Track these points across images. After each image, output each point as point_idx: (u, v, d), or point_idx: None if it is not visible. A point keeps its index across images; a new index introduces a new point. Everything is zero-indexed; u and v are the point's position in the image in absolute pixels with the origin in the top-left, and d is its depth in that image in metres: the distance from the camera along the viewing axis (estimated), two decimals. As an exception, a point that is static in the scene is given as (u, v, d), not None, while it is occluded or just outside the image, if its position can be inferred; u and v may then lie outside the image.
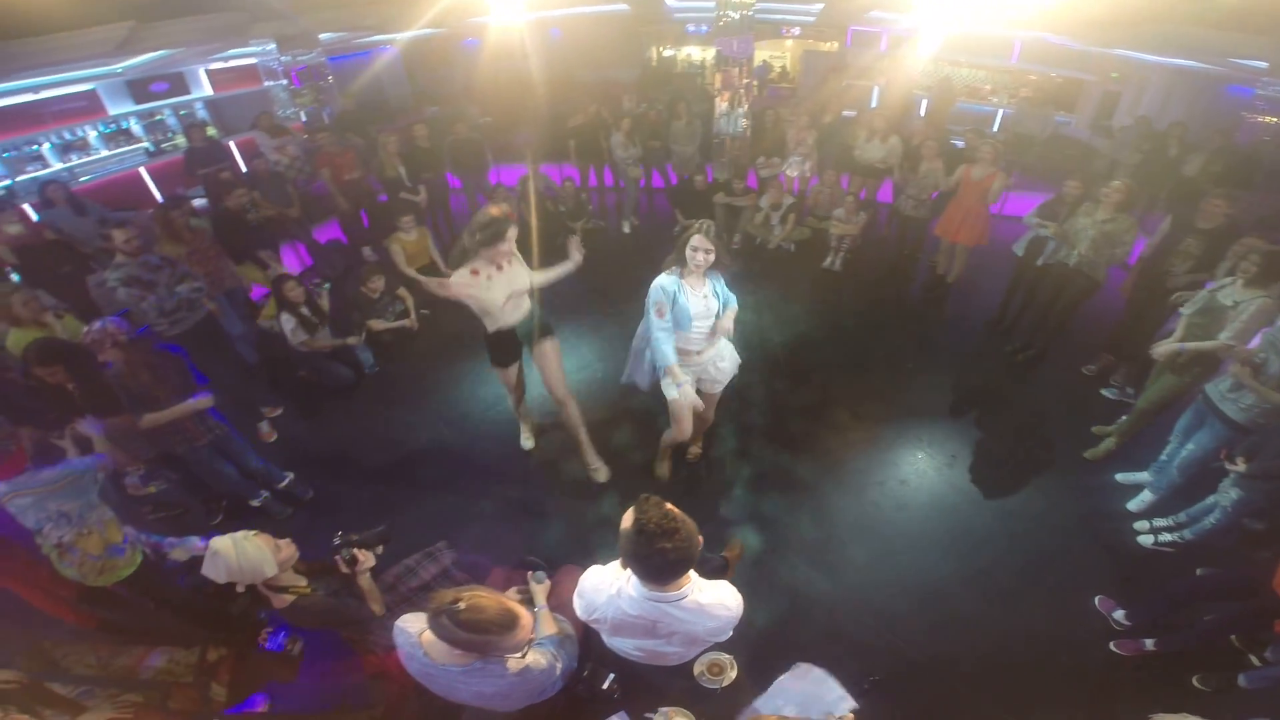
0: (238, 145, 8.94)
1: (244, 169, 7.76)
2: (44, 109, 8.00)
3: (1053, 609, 3.38)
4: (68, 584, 3.09)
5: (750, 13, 7.65)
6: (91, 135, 8.59)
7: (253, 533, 2.38)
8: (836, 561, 3.64)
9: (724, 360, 3.55)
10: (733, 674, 2.59)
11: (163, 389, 3.37)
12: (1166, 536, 3.67)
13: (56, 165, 8.13)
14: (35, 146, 8.00)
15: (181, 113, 9.63)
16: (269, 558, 2.35)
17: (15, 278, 4.87)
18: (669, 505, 1.80)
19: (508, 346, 3.76)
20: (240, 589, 2.39)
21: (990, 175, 5.50)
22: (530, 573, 2.59)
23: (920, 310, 6.33)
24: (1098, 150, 8.80)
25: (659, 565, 1.78)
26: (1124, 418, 4.34)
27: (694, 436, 4.15)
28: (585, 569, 2.18)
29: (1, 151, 7.63)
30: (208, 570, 2.33)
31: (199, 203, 6.42)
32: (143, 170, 8.72)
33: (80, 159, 8.43)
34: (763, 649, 3.06)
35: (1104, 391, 4.92)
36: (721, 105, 8.35)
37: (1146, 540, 3.71)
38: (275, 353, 5.25)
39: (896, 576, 3.55)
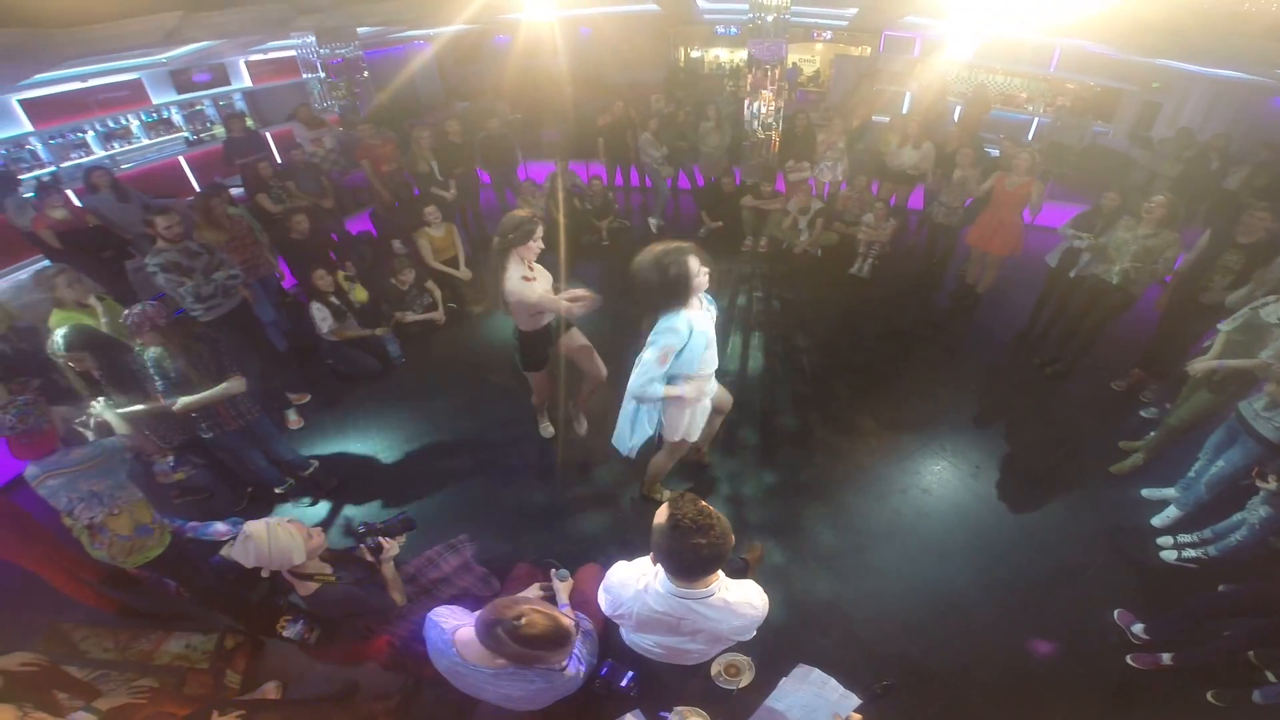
0: (273, 136, 9.12)
1: (279, 160, 7.91)
2: (90, 97, 8.24)
3: (1071, 621, 3.33)
4: (91, 567, 3.18)
5: (785, 15, 7.61)
6: (134, 124, 8.83)
7: (286, 519, 2.41)
8: (855, 567, 3.62)
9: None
10: (750, 676, 2.59)
11: (197, 373, 3.45)
12: (1190, 552, 3.60)
13: (100, 152, 8.37)
14: (80, 134, 8.24)
15: (221, 103, 9.86)
16: (299, 545, 2.38)
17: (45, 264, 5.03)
18: (703, 502, 1.82)
19: (543, 345, 3.78)
20: (264, 574, 2.43)
21: (1025, 185, 5.41)
22: (553, 570, 2.61)
23: (948, 319, 6.26)
24: (1136, 161, 8.63)
25: (691, 561, 1.79)
26: (1152, 433, 4.26)
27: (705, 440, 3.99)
28: (607, 567, 2.19)
29: (49, 138, 7.87)
30: (237, 554, 2.36)
31: (236, 191, 6.56)
32: (182, 159, 8.94)
33: (122, 147, 8.67)
34: (779, 652, 3.05)
35: (1143, 413, 4.82)
36: (752, 105, 8.31)
37: (1170, 556, 3.65)
38: (305, 341, 5.36)
39: (915, 584, 3.52)
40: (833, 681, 2.73)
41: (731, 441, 4.46)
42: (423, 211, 6.13)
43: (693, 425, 3.25)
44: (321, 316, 4.98)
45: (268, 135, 8.61)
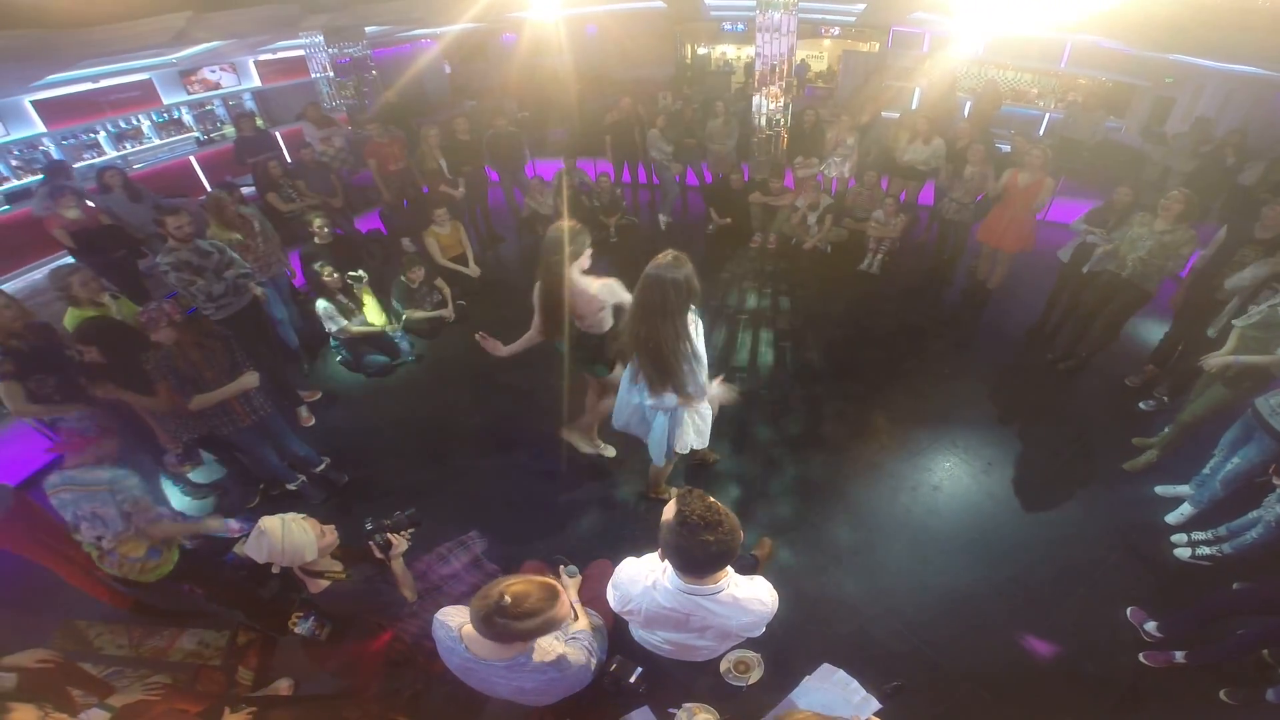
0: (283, 136, 9.17)
1: (289, 159, 7.95)
2: (102, 98, 8.31)
3: (1083, 619, 3.31)
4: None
5: (792, 11, 7.57)
6: (145, 124, 8.89)
7: (301, 515, 2.41)
8: (865, 564, 3.61)
9: None
10: (759, 672, 2.58)
11: (211, 370, 3.47)
12: (1204, 550, 3.56)
13: (112, 153, 8.43)
14: (93, 134, 8.31)
15: (230, 103, 9.92)
16: (312, 542, 2.38)
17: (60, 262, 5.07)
18: (711, 499, 1.81)
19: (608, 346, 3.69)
20: (275, 570, 2.44)
21: (1038, 181, 5.37)
22: (562, 566, 2.61)
23: (959, 316, 6.22)
24: (1149, 156, 8.54)
25: (700, 558, 1.78)
26: (1166, 429, 4.22)
27: None
28: (616, 563, 2.19)
29: (61, 138, 7.94)
30: (250, 549, 2.36)
31: (247, 190, 6.60)
32: (192, 159, 8.99)
33: (134, 147, 8.73)
34: (788, 649, 3.04)
35: (1141, 404, 4.79)
36: (759, 100, 8.26)
37: (1183, 553, 3.61)
38: (316, 338, 5.38)
39: (926, 581, 3.51)
40: (855, 684, 2.72)
41: (741, 438, 4.46)
42: (430, 211, 6.16)
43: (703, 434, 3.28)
44: (328, 315, 5.00)
45: (278, 134, 8.65)
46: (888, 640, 3.21)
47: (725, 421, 4.16)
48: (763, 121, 8.26)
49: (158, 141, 9.05)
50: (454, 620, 2.03)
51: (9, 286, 6.21)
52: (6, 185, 7.43)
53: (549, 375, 4.66)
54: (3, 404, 3.50)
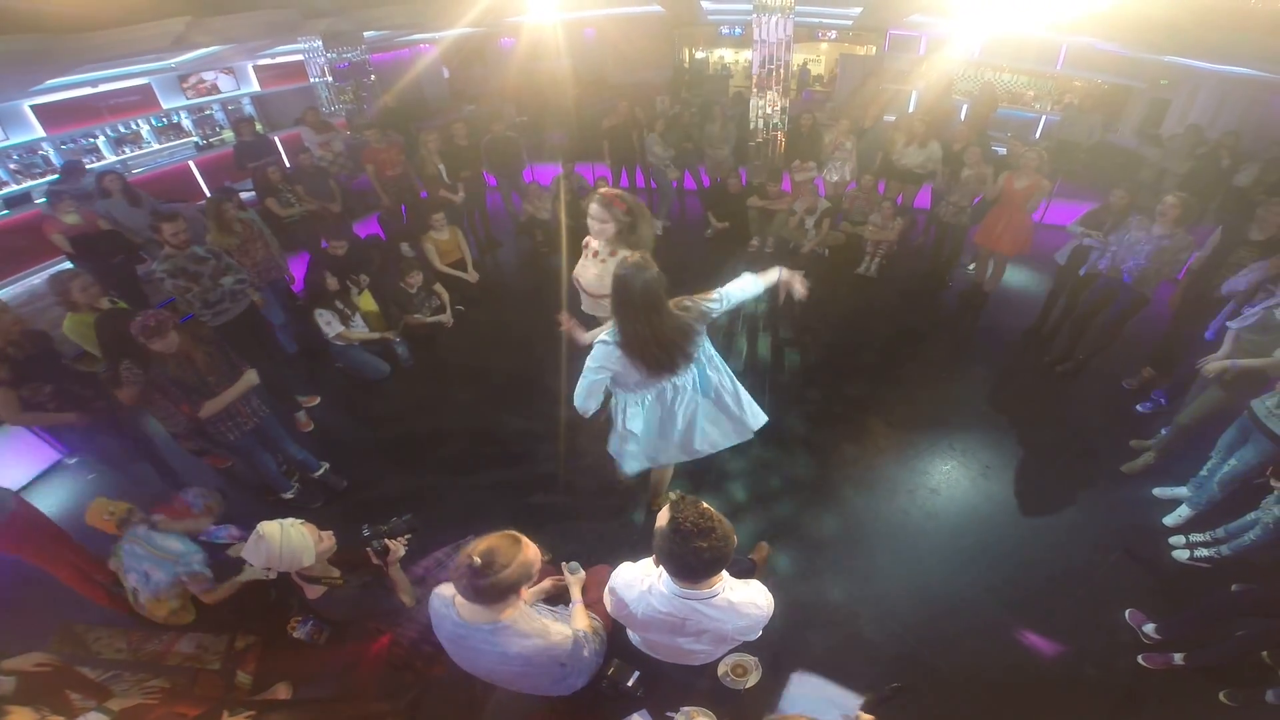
0: (282, 140, 9.18)
1: (288, 164, 7.96)
2: (101, 102, 8.32)
3: (1082, 621, 3.31)
4: (103, 569, 3.21)
5: (789, 15, 7.59)
6: (144, 129, 8.91)
7: (300, 521, 2.41)
8: (863, 568, 3.61)
9: None
10: (756, 676, 2.58)
11: (214, 374, 3.48)
12: (1203, 552, 3.56)
13: (111, 158, 8.45)
14: (92, 139, 8.32)
15: (229, 108, 9.93)
16: (310, 547, 2.38)
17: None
18: (704, 505, 1.82)
19: None
20: (272, 576, 2.44)
21: (1034, 184, 5.39)
22: (564, 563, 2.61)
23: (956, 318, 6.23)
24: (1144, 159, 8.56)
25: (693, 564, 1.79)
26: (1163, 431, 4.23)
27: None
28: (616, 567, 2.19)
29: (61, 143, 7.95)
30: (248, 554, 2.36)
31: (246, 195, 6.61)
32: (192, 164, 9.01)
33: (133, 152, 8.75)
34: (785, 653, 3.05)
35: (1138, 407, 4.79)
36: (757, 101, 8.28)
37: (1182, 555, 3.61)
38: (314, 344, 5.38)
39: (924, 584, 3.50)
40: (832, 687, 2.74)
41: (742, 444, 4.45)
42: (429, 216, 6.17)
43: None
44: (326, 321, 5.00)
45: (276, 140, 8.66)
46: (886, 643, 3.21)
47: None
48: (760, 125, 8.28)
49: (157, 146, 9.07)
50: (448, 591, 2.04)
51: (8, 292, 6.22)
52: (6, 190, 7.44)
53: (548, 378, 4.67)
54: (-2, 411, 3.50)
